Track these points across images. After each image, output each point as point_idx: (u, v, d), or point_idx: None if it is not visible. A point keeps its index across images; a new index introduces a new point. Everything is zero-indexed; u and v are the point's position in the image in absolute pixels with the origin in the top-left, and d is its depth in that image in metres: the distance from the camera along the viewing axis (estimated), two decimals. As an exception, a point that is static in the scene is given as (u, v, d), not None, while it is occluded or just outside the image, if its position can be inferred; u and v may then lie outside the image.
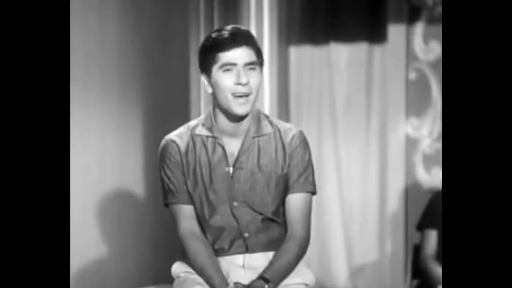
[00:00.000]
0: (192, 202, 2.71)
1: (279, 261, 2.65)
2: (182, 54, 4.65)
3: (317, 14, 5.04)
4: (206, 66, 2.67)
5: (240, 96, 2.63)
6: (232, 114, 2.66)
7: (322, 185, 4.87)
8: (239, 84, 2.62)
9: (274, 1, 4.83)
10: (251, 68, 2.64)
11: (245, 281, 2.67)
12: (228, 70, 2.63)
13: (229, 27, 2.68)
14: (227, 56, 2.62)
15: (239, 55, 2.62)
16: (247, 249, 2.70)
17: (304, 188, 2.72)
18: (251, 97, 2.64)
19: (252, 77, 2.64)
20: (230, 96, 2.63)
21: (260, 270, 2.66)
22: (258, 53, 2.67)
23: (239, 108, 2.64)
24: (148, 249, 4.50)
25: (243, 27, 2.72)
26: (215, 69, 2.64)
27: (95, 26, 4.20)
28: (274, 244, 2.71)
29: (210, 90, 2.69)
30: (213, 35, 2.67)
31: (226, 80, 2.62)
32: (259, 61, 2.67)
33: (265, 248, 2.71)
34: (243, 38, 2.64)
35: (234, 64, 2.62)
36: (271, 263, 2.65)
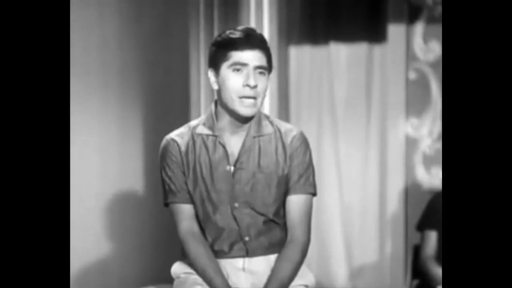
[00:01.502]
0: (192, 201, 2.70)
1: (283, 270, 2.63)
2: (182, 53, 4.64)
3: (317, 14, 5.04)
4: (215, 62, 2.64)
5: (247, 98, 2.60)
6: (236, 114, 2.64)
7: (322, 185, 4.86)
8: (247, 86, 2.59)
9: (274, 1, 4.83)
10: (260, 73, 2.62)
11: (246, 283, 2.67)
12: (237, 70, 2.60)
13: (243, 28, 2.66)
14: (239, 55, 2.59)
15: (251, 56, 2.60)
16: (248, 253, 2.69)
17: (305, 189, 2.71)
18: (258, 101, 2.63)
19: (261, 82, 2.62)
20: (235, 98, 2.60)
21: (260, 273, 2.66)
22: (269, 59, 2.65)
23: (244, 110, 2.61)
24: (148, 249, 4.50)
25: (258, 31, 2.70)
26: (224, 67, 2.62)
27: (95, 24, 4.20)
28: (275, 247, 2.69)
29: (216, 87, 2.66)
30: (227, 32, 2.64)
31: (234, 81, 2.60)
32: (269, 67, 2.65)
33: (265, 251, 2.69)
34: (257, 41, 2.62)
35: (245, 65, 2.60)
36: (274, 273, 2.63)
